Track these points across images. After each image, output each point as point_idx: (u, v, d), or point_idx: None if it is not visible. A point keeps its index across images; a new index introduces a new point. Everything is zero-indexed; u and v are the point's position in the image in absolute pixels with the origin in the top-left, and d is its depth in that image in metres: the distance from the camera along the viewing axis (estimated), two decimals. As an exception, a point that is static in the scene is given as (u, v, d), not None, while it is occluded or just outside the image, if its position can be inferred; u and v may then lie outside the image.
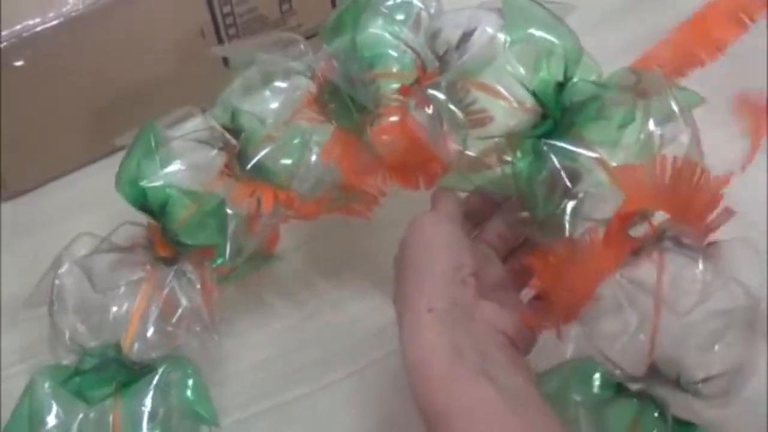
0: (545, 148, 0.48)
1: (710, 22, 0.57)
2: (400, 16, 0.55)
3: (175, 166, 0.56)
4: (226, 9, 0.67)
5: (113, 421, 0.52)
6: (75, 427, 0.52)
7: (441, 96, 0.50)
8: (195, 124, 0.58)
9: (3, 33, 0.60)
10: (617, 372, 0.47)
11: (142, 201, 0.55)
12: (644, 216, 0.48)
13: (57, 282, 0.55)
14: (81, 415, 0.52)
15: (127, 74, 0.65)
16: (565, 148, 0.48)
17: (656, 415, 0.47)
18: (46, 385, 0.52)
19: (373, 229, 0.61)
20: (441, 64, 0.52)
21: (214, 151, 0.56)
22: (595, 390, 0.48)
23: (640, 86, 0.49)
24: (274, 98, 0.57)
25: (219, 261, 0.56)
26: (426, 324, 0.44)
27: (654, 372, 0.46)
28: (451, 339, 0.44)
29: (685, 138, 0.48)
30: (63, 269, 0.55)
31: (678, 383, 0.46)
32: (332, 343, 0.62)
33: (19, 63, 0.61)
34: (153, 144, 0.56)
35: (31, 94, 0.63)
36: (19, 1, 0.60)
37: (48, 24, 0.61)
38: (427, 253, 0.47)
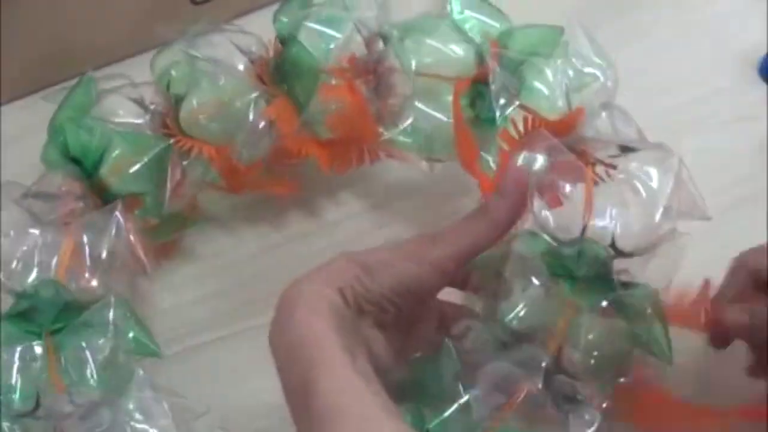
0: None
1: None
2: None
3: (112, 118, 0.57)
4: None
5: (49, 363, 0.51)
6: (14, 366, 0.51)
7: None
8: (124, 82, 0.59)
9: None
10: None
11: (76, 147, 0.56)
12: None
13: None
14: (17, 356, 0.51)
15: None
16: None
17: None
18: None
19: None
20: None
21: (148, 113, 0.59)
22: None
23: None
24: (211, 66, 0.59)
25: (146, 212, 0.58)
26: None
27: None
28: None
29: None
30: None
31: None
32: (274, 281, 0.62)
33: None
34: (92, 95, 0.57)
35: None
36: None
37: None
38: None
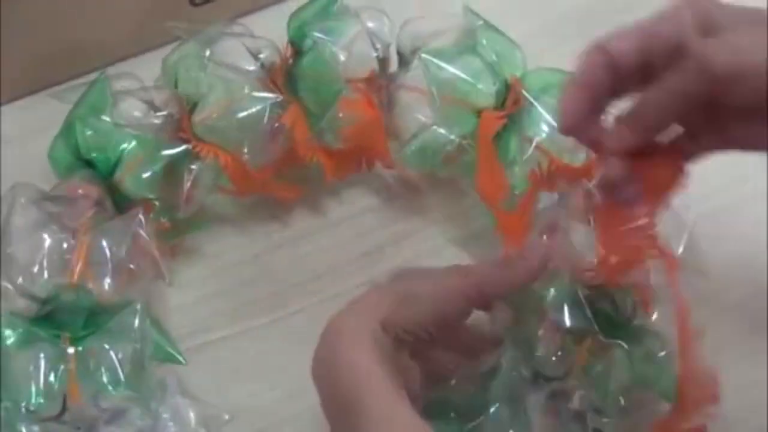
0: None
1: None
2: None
3: (127, 121, 0.58)
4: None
5: (70, 368, 0.51)
6: (39, 371, 0.51)
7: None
8: (133, 83, 0.60)
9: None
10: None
11: (87, 148, 0.56)
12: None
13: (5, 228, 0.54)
14: (42, 360, 0.51)
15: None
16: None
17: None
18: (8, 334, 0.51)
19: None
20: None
21: (162, 114, 0.58)
22: None
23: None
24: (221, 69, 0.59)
25: (159, 216, 0.58)
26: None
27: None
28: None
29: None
30: (11, 215, 0.54)
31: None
32: (276, 281, 0.62)
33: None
34: (107, 95, 0.57)
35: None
36: None
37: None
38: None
